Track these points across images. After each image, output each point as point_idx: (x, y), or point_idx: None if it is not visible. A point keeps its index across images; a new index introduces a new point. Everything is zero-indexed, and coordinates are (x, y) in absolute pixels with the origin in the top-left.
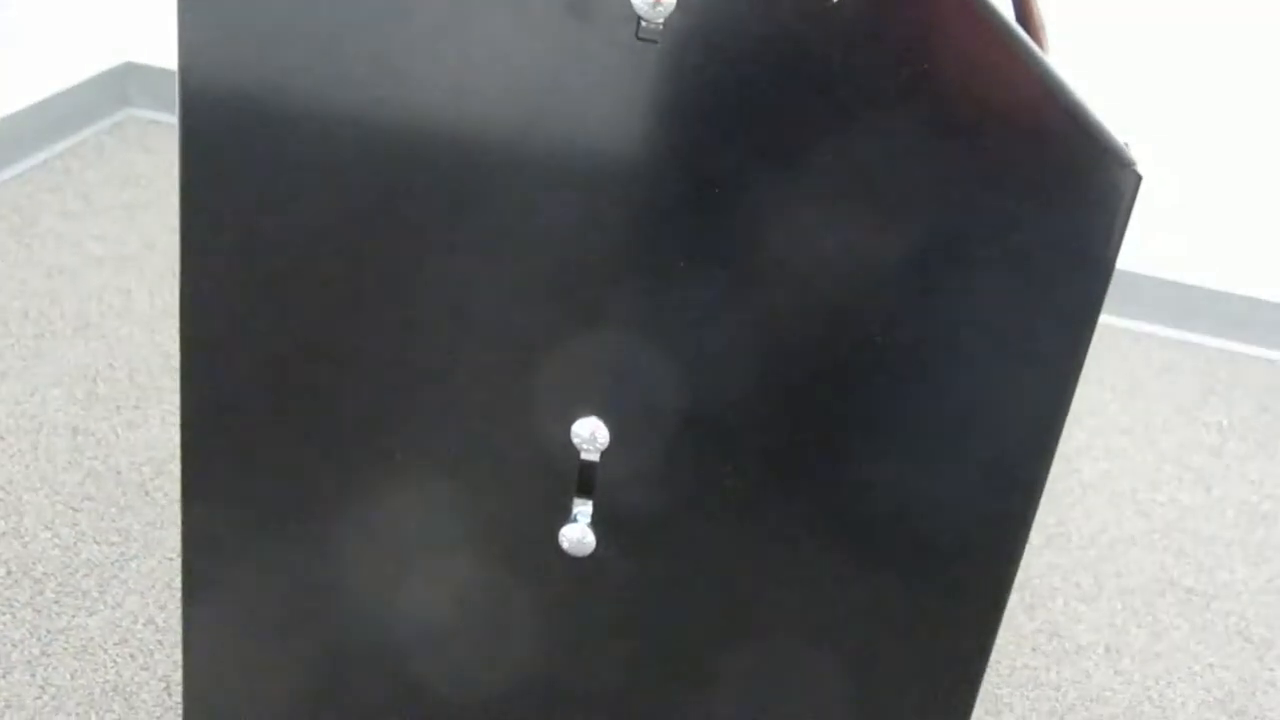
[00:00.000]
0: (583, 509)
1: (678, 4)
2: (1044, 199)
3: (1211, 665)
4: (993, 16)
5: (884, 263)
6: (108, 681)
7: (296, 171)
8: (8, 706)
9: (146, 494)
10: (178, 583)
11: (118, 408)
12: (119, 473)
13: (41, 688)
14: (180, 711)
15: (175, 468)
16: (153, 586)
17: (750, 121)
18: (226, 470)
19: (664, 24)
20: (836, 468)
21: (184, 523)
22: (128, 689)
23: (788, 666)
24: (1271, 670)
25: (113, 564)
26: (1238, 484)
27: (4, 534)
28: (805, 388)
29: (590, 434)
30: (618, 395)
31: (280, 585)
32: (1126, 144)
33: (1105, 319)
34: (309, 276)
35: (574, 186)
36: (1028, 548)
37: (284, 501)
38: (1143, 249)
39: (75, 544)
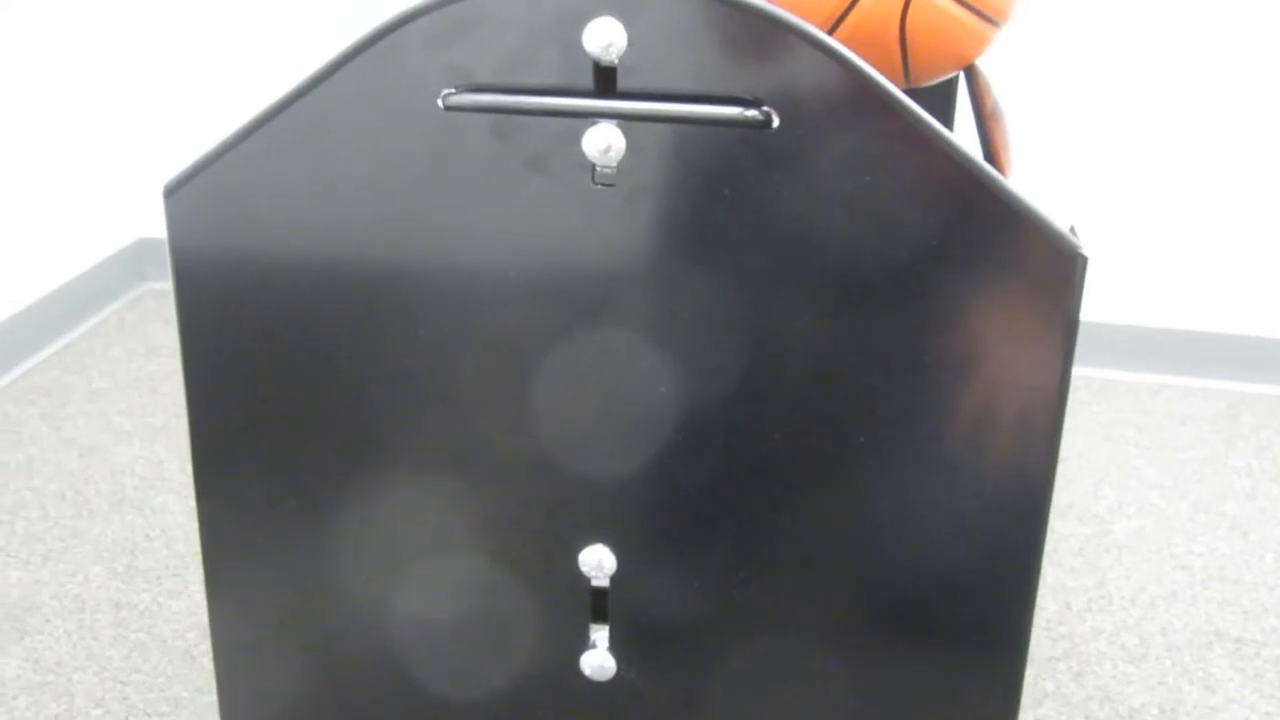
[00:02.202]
0: (600, 634)
1: (628, 148)
2: (999, 287)
3: (1269, 715)
4: (926, 127)
5: (853, 368)
6: None
7: (284, 320)
8: None
9: (193, 659)
10: None
11: (158, 578)
12: (164, 642)
13: None
14: None
15: None
16: None
17: (711, 245)
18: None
19: (616, 168)
20: (841, 568)
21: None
22: None
23: None
24: None
25: None
26: (1274, 527)
27: (58, 716)
28: (800, 495)
29: (598, 562)
30: (621, 520)
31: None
32: (1072, 229)
33: (1121, 374)
34: (308, 421)
35: (555, 319)
36: (1070, 612)
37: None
38: (1152, 300)
39: (127, 718)
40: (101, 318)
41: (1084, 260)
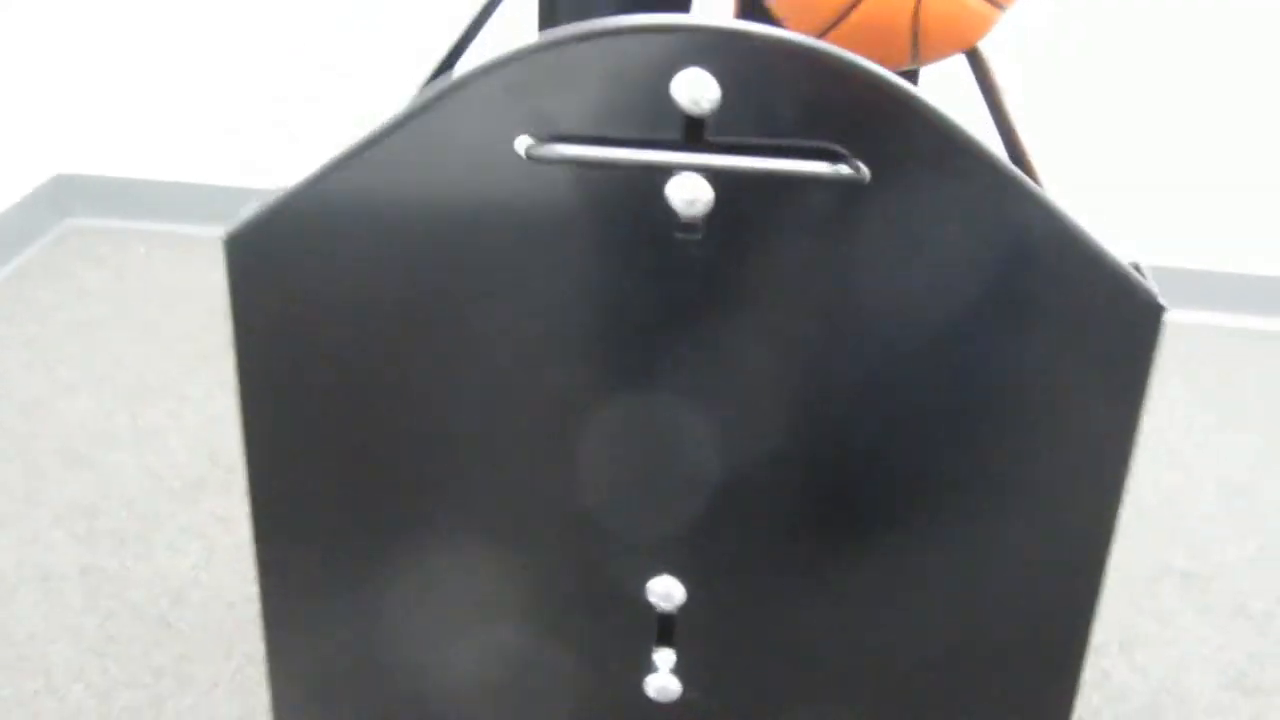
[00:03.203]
0: (665, 656)
1: (716, 200)
2: (1077, 342)
3: (1220, 647)
4: (1014, 176)
5: (933, 415)
6: None
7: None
8: None
9: (169, 625)
10: (220, 715)
11: (122, 541)
12: (137, 608)
13: None
14: None
15: (193, 595)
16: None
17: (795, 297)
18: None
19: (702, 218)
20: (895, 602)
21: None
22: None
23: None
24: (1275, 644)
25: (149, 707)
26: (1213, 460)
27: (37, 693)
28: (863, 530)
29: (666, 591)
30: (690, 552)
31: None
32: (1136, 266)
33: None
34: (374, 461)
35: (629, 366)
36: None
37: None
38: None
39: (109, 692)
40: (24, 258)
41: (1161, 310)
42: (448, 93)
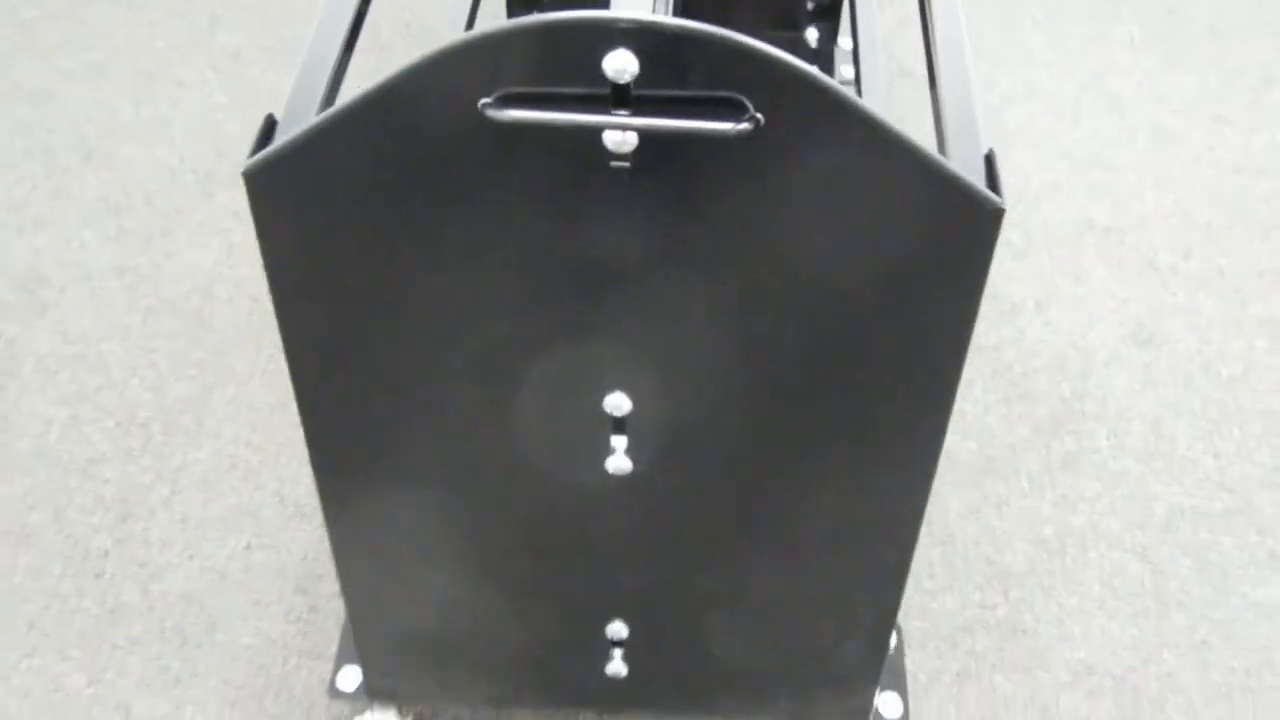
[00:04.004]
0: (620, 442)
1: (639, 142)
2: (928, 245)
3: (1125, 300)
4: (867, 113)
5: (811, 296)
6: (231, 505)
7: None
8: (162, 542)
9: (203, 322)
10: (259, 404)
11: (149, 239)
12: (173, 305)
13: (182, 523)
14: (295, 520)
15: (219, 291)
16: (239, 412)
17: (705, 214)
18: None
19: (629, 153)
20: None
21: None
22: (249, 508)
23: (778, 519)
24: (1175, 295)
25: (199, 397)
26: (1149, 103)
27: (100, 388)
28: (758, 359)
29: (617, 404)
30: (638, 374)
31: (398, 498)
32: (989, 155)
33: None
34: (388, 313)
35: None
36: None
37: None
38: None
39: (161, 385)
40: None
41: (1000, 212)
42: (425, 61)
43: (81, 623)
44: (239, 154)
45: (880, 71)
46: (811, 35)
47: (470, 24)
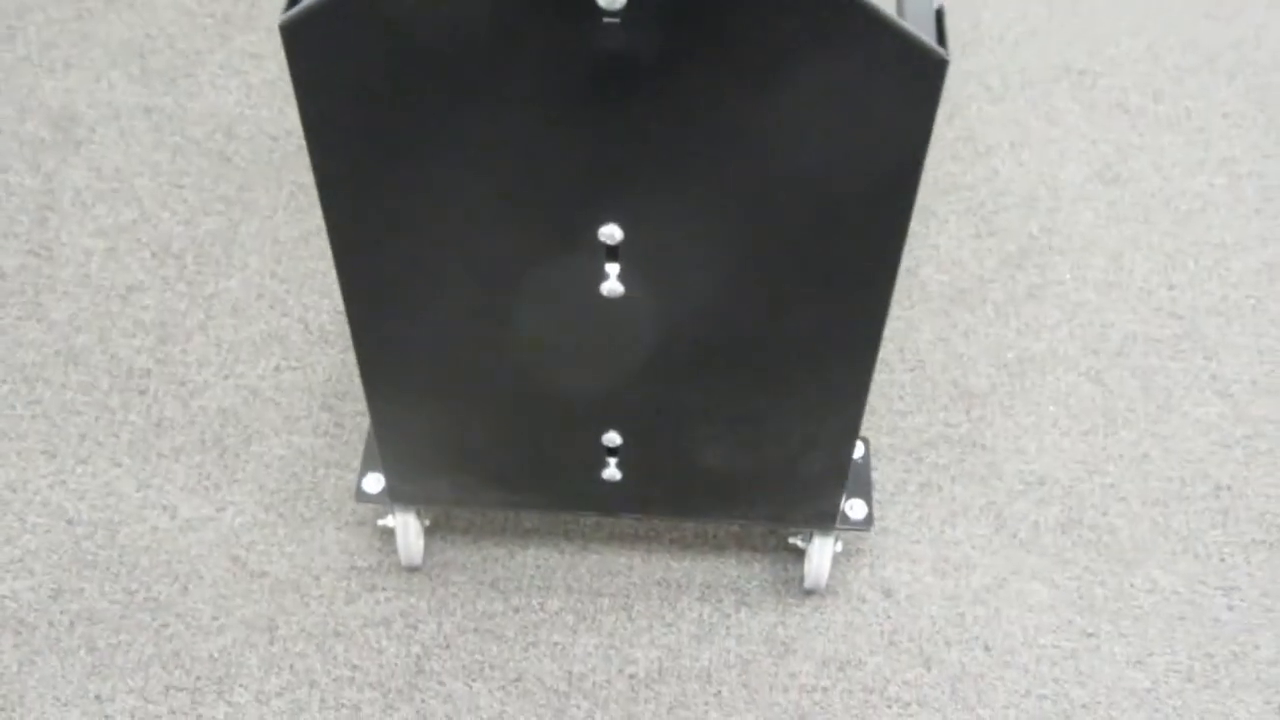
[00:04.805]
0: (613, 268)
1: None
2: (876, 95)
3: (1095, 141)
4: None
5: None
6: (261, 331)
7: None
8: (199, 363)
9: (228, 160)
10: (282, 238)
11: (173, 80)
12: (198, 144)
13: (216, 345)
14: (320, 344)
15: (241, 129)
16: (264, 245)
17: (685, 74)
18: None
19: (619, 10)
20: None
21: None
22: (277, 333)
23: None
24: (1141, 136)
25: (227, 231)
26: None
27: (136, 221)
28: (733, 191)
29: (610, 233)
30: (628, 206)
31: (428, 329)
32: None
33: None
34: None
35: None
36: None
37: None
38: None
39: (192, 219)
40: None
41: (944, 63)
42: None
43: (129, 434)
44: None
45: None
46: None
47: None
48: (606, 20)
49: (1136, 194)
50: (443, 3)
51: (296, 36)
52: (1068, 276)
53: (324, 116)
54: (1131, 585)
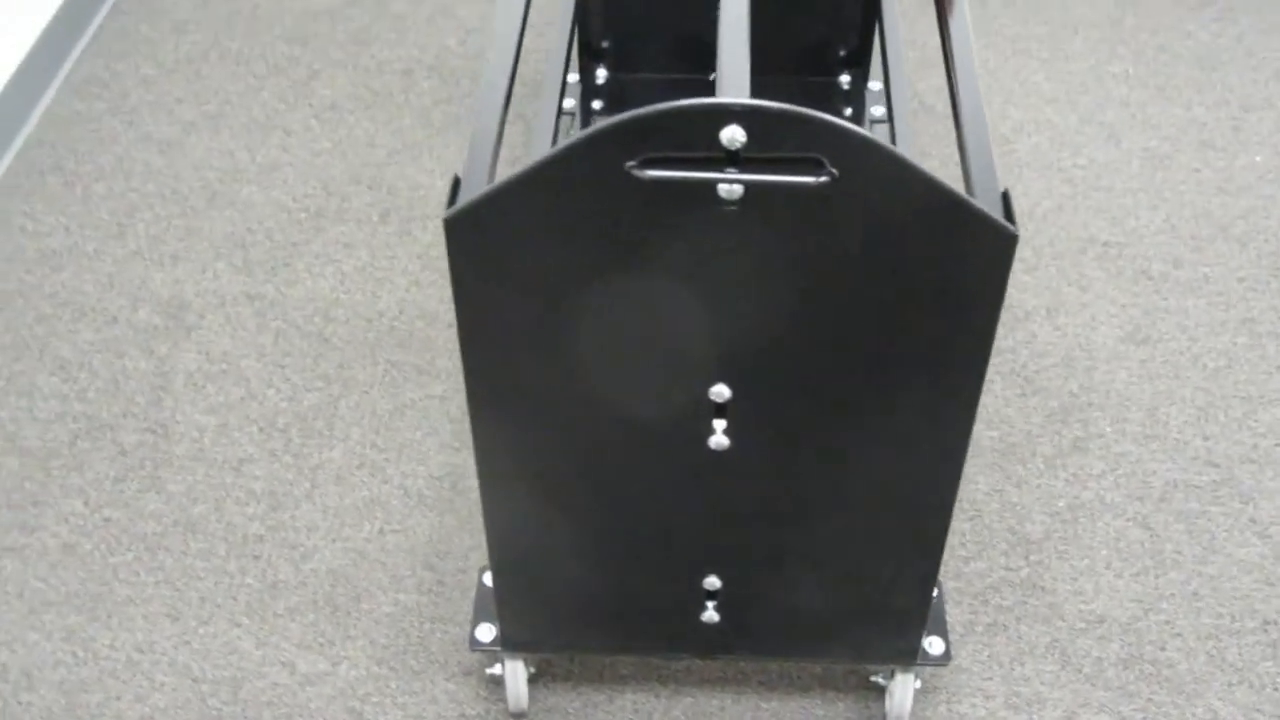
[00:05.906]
0: (720, 424)
1: (744, 191)
2: (953, 270)
3: (1124, 306)
4: (906, 162)
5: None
6: (364, 497)
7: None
8: (308, 527)
9: (326, 341)
10: (379, 410)
11: (272, 270)
12: (299, 327)
13: (323, 512)
14: (419, 508)
15: (337, 313)
16: (363, 418)
17: (793, 242)
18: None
19: (737, 200)
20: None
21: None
22: (379, 499)
23: (847, 486)
24: (1166, 300)
25: (328, 406)
26: (1141, 132)
27: (244, 398)
28: (831, 357)
29: (719, 391)
30: (735, 370)
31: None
32: (1005, 195)
33: None
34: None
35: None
36: None
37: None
38: None
39: (295, 395)
40: None
41: (1014, 238)
42: (585, 136)
43: (246, 596)
44: (344, 193)
45: (909, 114)
46: (844, 80)
47: (564, 72)
48: (726, 209)
49: (1166, 353)
50: (583, 198)
51: (456, 228)
52: (1108, 430)
53: (475, 301)
54: (1193, 715)
